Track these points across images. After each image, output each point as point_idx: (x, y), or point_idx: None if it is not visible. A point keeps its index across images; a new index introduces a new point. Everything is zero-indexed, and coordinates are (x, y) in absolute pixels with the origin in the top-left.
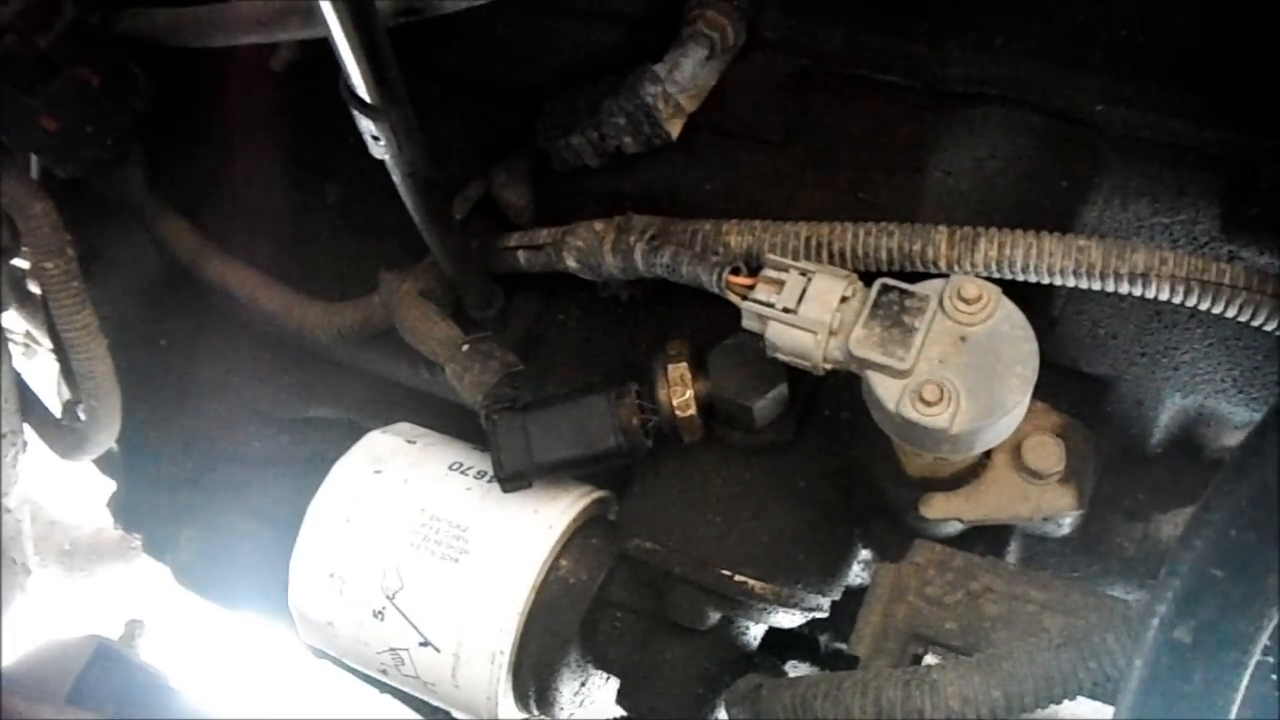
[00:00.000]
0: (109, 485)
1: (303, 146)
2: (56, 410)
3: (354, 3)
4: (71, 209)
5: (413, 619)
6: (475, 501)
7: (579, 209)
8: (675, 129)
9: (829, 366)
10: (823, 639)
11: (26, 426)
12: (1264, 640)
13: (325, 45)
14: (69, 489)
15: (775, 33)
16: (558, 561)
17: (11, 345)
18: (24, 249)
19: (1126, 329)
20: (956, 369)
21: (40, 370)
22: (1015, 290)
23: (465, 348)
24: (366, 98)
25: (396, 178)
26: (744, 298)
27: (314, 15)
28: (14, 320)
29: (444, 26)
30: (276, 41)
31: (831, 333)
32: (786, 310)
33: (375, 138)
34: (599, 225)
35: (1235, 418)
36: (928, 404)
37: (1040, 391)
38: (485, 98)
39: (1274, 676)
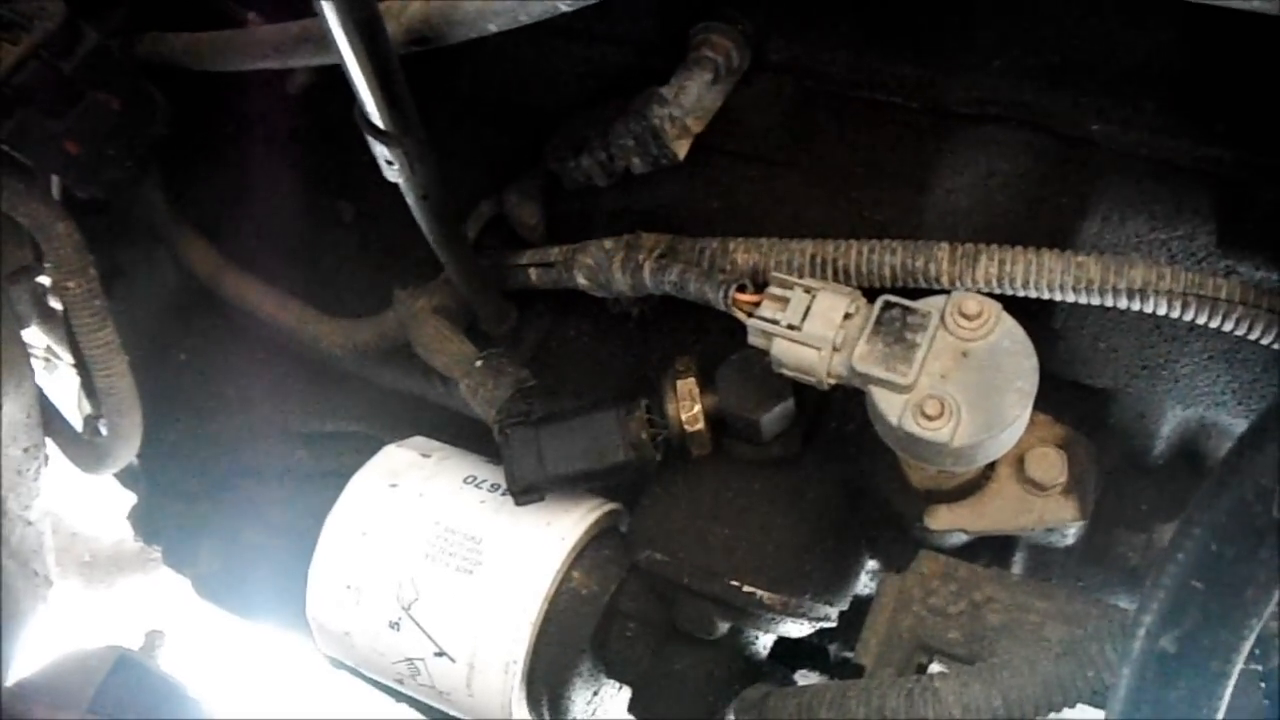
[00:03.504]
0: (129, 498)
1: (319, 167)
2: (78, 424)
3: (366, 33)
4: (94, 229)
5: (428, 629)
6: (489, 514)
7: (589, 228)
8: (682, 150)
9: (833, 382)
10: (831, 648)
11: (48, 440)
12: (1247, 650)
13: (340, 70)
14: (90, 502)
15: (779, 56)
16: (570, 573)
17: (33, 360)
18: (46, 267)
19: (1127, 343)
20: (958, 384)
21: (61, 385)
22: (1016, 305)
23: (479, 363)
24: (380, 124)
25: (410, 200)
26: (750, 314)
27: (328, 43)
28: (35, 336)
29: (456, 51)
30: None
31: (835, 349)
32: (791, 327)
33: (389, 162)
34: (608, 244)
35: (1235, 429)
36: (929, 418)
37: (1042, 404)
38: (497, 120)
39: (1260, 685)
